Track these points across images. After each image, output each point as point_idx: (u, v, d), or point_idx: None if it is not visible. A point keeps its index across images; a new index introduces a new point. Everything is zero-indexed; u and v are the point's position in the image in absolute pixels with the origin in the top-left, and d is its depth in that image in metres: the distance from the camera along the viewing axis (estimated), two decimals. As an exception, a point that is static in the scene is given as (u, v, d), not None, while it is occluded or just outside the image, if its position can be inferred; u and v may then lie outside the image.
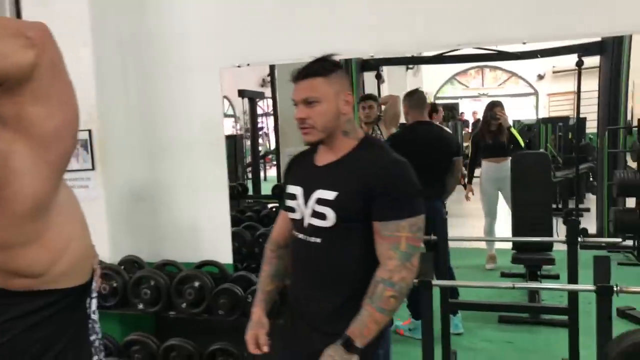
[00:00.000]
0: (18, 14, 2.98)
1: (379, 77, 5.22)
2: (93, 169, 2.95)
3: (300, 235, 1.60)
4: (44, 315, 1.10)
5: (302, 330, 1.62)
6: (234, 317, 2.59)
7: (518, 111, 9.46)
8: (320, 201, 1.53)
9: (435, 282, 2.13)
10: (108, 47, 2.96)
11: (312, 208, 1.55)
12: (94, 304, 1.24)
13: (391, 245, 1.45)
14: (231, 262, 3.10)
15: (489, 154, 4.75)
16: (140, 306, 2.70)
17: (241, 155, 5.25)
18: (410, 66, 7.69)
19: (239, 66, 3.01)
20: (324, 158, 1.61)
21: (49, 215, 1.06)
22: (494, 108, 4.68)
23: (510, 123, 4.79)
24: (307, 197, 1.57)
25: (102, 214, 2.96)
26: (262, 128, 5.69)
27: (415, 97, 3.54)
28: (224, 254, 3.07)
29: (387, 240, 1.46)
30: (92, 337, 1.23)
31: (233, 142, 5.08)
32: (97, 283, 1.32)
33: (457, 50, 3.42)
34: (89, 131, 2.92)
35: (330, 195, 1.52)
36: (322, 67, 1.54)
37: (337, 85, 1.54)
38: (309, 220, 1.56)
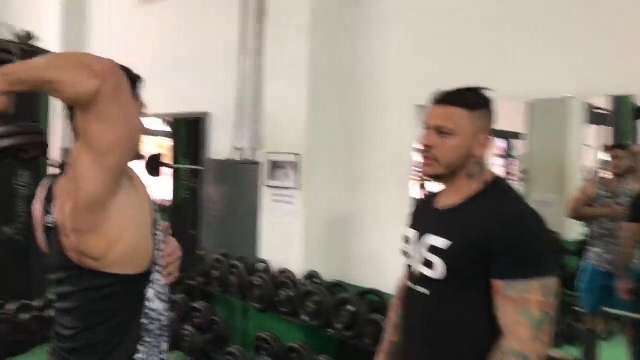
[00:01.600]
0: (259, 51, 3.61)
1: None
2: (298, 188, 3.31)
3: (410, 284, 1.48)
4: (105, 293, 1.37)
5: None
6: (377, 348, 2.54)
7: None
8: (432, 249, 1.38)
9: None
10: (321, 81, 3.30)
11: (423, 255, 1.41)
12: (150, 292, 1.42)
13: (519, 309, 1.24)
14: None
15: None
16: (304, 317, 2.89)
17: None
18: None
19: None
20: (444, 200, 1.48)
21: (105, 212, 1.28)
22: None
23: None
24: (419, 242, 1.45)
25: (300, 229, 3.29)
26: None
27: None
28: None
29: (513, 303, 1.25)
30: (144, 321, 1.41)
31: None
32: (167, 277, 1.49)
33: None
34: (298, 155, 3.29)
35: (442, 243, 1.36)
36: (470, 98, 1.40)
37: (478, 123, 1.39)
38: (419, 268, 1.43)
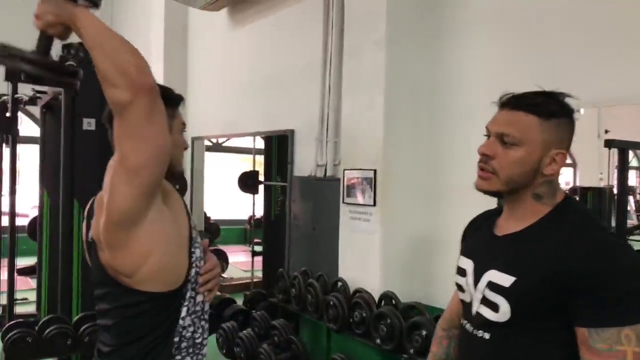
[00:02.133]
0: (339, 67, 3.56)
1: None
2: (374, 205, 3.20)
3: (467, 325, 1.27)
4: (139, 310, 1.37)
5: None
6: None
7: None
8: (493, 286, 1.17)
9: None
10: (400, 94, 3.18)
11: (483, 293, 1.19)
12: (184, 310, 1.42)
13: None
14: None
15: None
16: (378, 341, 2.77)
17: (607, 209, 4.57)
18: None
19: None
20: (505, 225, 1.25)
21: (135, 228, 1.28)
22: None
23: None
24: (477, 277, 1.23)
25: (377, 248, 3.18)
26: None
27: None
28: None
29: (601, 357, 1.03)
30: (176, 339, 1.41)
31: (597, 195, 4.52)
32: (205, 296, 1.48)
33: None
34: (374, 170, 3.19)
35: (506, 280, 1.14)
36: (544, 104, 1.17)
37: (552, 135, 1.16)
38: (478, 308, 1.21)
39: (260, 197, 5.97)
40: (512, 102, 1.20)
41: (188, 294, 1.41)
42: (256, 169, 6.22)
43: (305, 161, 4.17)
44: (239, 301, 4.04)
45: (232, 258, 7.33)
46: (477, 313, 1.21)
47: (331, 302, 3.05)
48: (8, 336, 3.14)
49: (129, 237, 1.28)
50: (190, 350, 1.44)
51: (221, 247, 7.37)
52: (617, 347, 1.01)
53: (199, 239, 1.47)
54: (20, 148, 4.14)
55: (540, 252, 1.12)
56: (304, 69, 4.19)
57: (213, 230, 7.66)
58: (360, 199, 3.28)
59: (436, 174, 3.16)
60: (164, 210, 1.33)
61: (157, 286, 1.34)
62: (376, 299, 3.02)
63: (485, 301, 1.18)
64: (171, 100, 1.46)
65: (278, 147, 5.46)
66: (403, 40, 3.15)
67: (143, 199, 1.26)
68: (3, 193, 4.17)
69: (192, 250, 1.41)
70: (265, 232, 5.95)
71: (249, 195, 6.13)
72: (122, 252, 1.30)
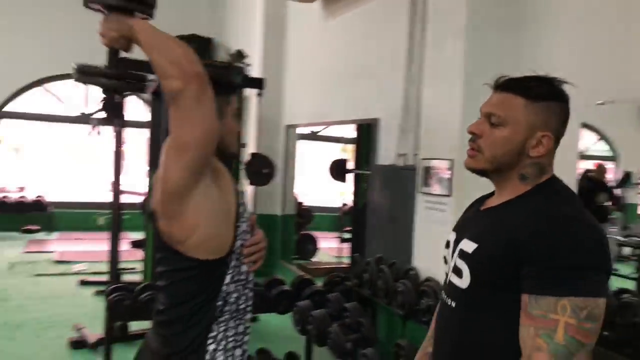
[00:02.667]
0: (421, 56, 3.57)
1: None
2: (449, 195, 3.20)
3: (443, 294, 1.33)
4: (188, 275, 1.53)
5: None
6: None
7: None
8: (461, 253, 1.23)
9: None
10: (479, 84, 3.13)
11: (455, 261, 1.26)
12: (227, 278, 1.55)
13: (541, 330, 1.04)
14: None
15: None
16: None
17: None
18: None
19: (602, 103, 2.63)
20: (490, 202, 1.31)
21: (185, 201, 1.44)
22: None
23: None
24: (455, 247, 1.29)
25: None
26: None
27: None
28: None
29: (535, 322, 1.05)
30: (219, 303, 1.55)
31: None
32: (249, 267, 1.61)
33: None
34: (451, 160, 3.18)
35: (470, 247, 1.20)
36: (533, 87, 1.20)
37: (538, 118, 1.19)
38: (450, 277, 1.28)
39: (350, 185, 6.09)
40: (503, 84, 1.23)
41: (232, 263, 1.55)
42: (347, 157, 6.34)
43: (388, 150, 4.22)
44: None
45: (323, 244, 7.53)
46: (449, 281, 1.27)
47: (399, 289, 3.10)
48: (110, 297, 3.54)
49: (180, 209, 1.44)
50: (235, 314, 1.58)
51: (314, 233, 7.61)
52: (550, 315, 1.03)
53: (246, 214, 1.61)
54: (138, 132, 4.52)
55: (502, 223, 1.17)
56: (390, 58, 4.23)
57: (305, 215, 7.91)
58: (436, 189, 3.29)
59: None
60: (211, 186, 1.48)
61: (204, 254, 1.49)
62: (444, 288, 3.03)
63: (455, 269, 1.24)
64: (226, 87, 1.61)
65: (368, 135, 5.54)
66: (484, 29, 3.11)
67: (191, 174, 1.41)
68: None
69: (238, 224, 1.55)
70: (353, 220, 6.06)
71: (345, 184, 6.26)
72: (175, 222, 1.46)
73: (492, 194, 1.35)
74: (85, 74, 1.39)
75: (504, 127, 1.20)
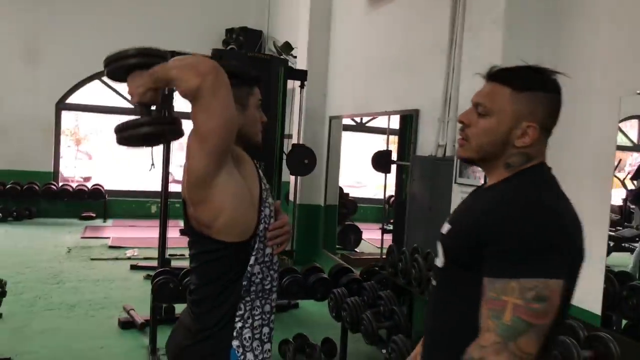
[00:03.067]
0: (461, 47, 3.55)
1: None
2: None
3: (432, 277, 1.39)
4: (215, 256, 1.63)
5: None
6: None
7: None
8: (441, 235, 1.28)
9: None
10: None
11: (439, 242, 1.31)
12: (252, 259, 1.64)
13: (492, 312, 1.06)
14: (598, 312, 2.69)
15: None
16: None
17: None
18: None
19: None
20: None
21: (210, 188, 1.54)
22: None
23: None
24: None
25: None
26: None
27: None
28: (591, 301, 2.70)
29: (488, 304, 1.07)
30: (245, 282, 1.64)
31: None
32: (273, 250, 1.69)
33: None
34: (487, 151, 3.17)
35: (445, 228, 1.27)
36: (520, 77, 1.19)
37: (524, 108, 1.17)
38: (436, 259, 1.33)
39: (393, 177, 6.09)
40: (493, 75, 1.23)
41: (256, 246, 1.63)
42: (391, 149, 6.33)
43: (428, 141, 4.22)
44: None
45: (366, 235, 7.57)
46: (435, 264, 1.32)
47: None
48: (156, 280, 3.72)
49: (205, 195, 1.53)
50: (260, 294, 1.67)
51: (358, 224, 7.66)
52: (501, 297, 1.04)
53: (270, 200, 1.69)
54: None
55: (473, 206, 1.22)
56: (431, 49, 4.22)
57: (349, 206, 7.96)
58: (471, 179, 3.28)
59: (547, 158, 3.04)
60: (234, 173, 1.57)
61: (229, 237, 1.58)
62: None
63: (438, 250, 1.28)
64: (248, 79, 1.69)
65: (410, 127, 5.53)
66: (522, 19, 3.06)
67: (213, 162, 1.50)
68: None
69: (262, 208, 1.63)
70: (396, 211, 6.07)
71: (391, 175, 6.26)
72: (202, 208, 1.56)
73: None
74: (123, 129, 1.51)
75: (489, 117, 1.20)
